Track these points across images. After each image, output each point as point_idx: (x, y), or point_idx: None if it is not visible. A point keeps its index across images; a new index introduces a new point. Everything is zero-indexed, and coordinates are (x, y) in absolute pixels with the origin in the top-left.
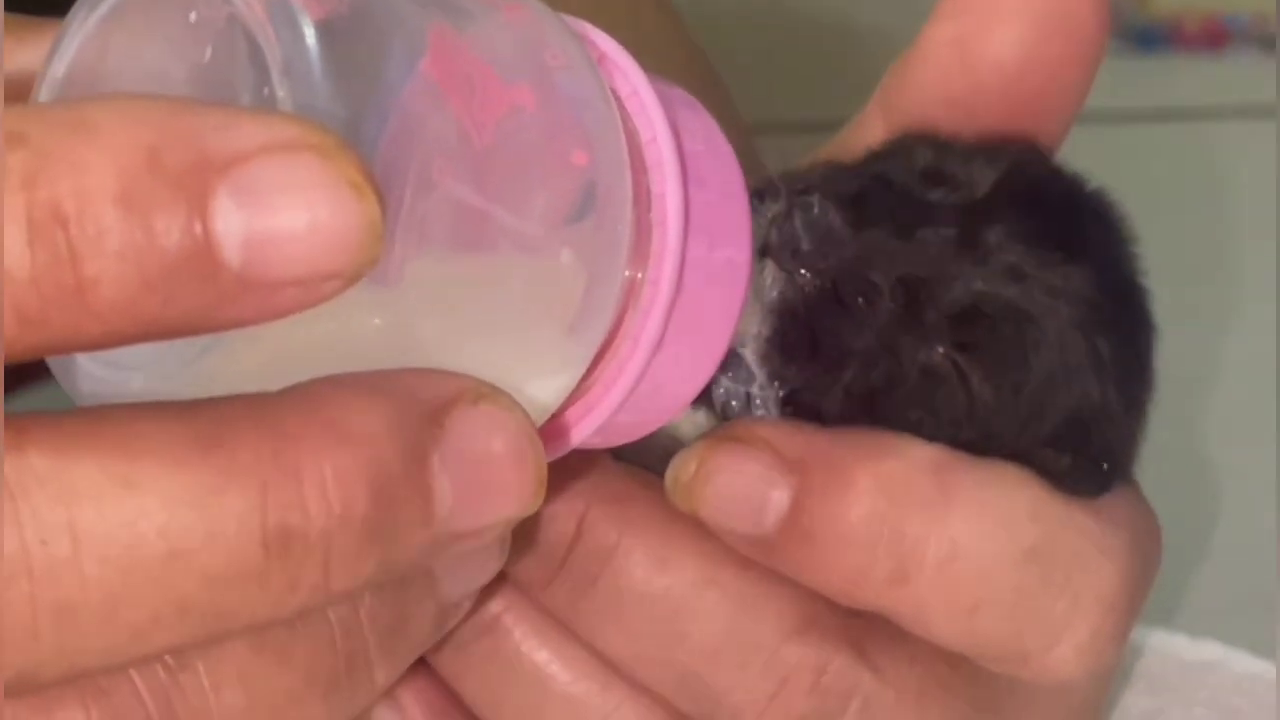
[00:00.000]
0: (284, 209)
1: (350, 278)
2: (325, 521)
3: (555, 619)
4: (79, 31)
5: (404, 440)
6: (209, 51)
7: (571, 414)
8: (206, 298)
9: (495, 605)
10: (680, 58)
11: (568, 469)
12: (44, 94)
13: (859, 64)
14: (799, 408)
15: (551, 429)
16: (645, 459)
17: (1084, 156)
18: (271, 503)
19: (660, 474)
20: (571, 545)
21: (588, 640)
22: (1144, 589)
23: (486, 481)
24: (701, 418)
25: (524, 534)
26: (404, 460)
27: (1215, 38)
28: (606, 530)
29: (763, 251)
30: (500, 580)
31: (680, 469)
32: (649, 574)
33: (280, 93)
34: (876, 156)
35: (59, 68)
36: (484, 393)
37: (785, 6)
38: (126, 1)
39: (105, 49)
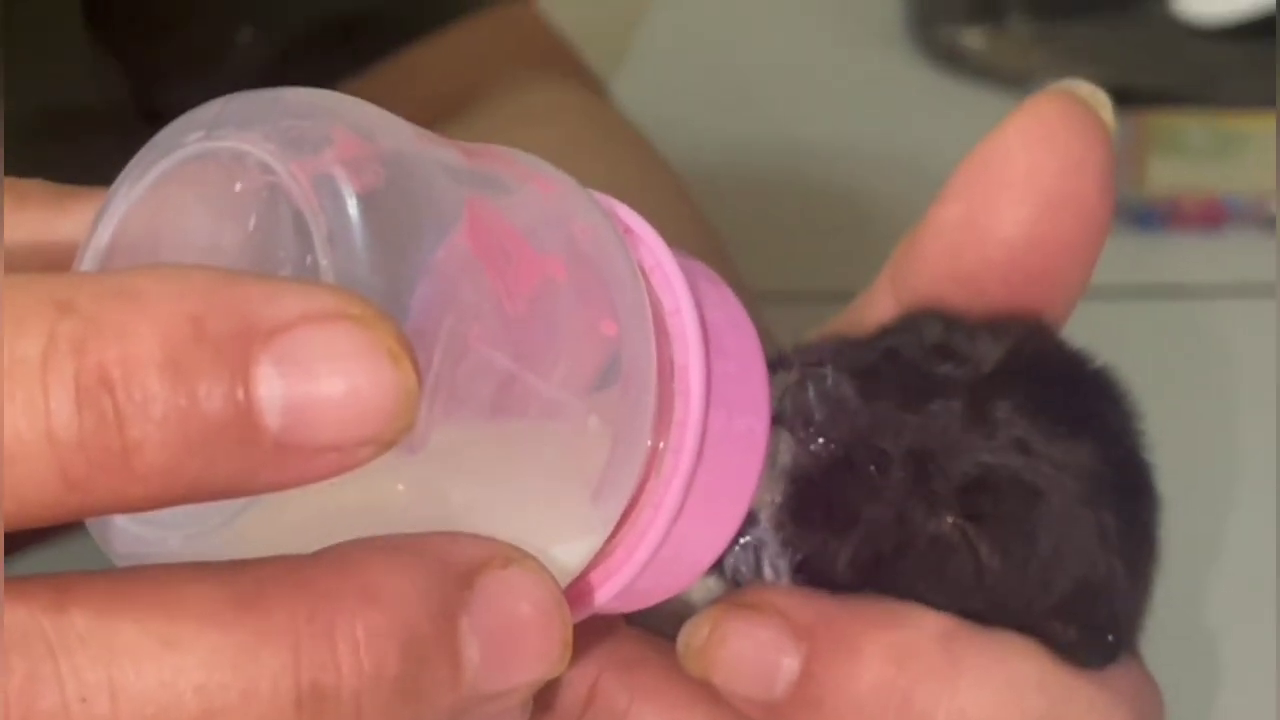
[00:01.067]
0: (324, 376)
1: (386, 443)
2: (357, 681)
3: None
4: (123, 201)
5: (434, 602)
6: (253, 220)
7: (593, 578)
8: (247, 462)
9: None
10: (687, 225)
11: (581, 633)
12: (87, 262)
13: (866, 235)
14: (811, 574)
15: (574, 592)
16: (656, 623)
17: (1083, 332)
18: (305, 662)
19: (671, 638)
20: (584, 709)
21: None
22: None
23: (514, 644)
24: (714, 583)
25: (538, 697)
26: (434, 622)
27: (1213, 217)
28: (618, 695)
29: (776, 421)
30: None
31: (693, 634)
32: None
33: (324, 262)
34: (887, 332)
35: (103, 236)
36: (513, 557)
37: (791, 176)
38: (170, 172)
39: (150, 218)
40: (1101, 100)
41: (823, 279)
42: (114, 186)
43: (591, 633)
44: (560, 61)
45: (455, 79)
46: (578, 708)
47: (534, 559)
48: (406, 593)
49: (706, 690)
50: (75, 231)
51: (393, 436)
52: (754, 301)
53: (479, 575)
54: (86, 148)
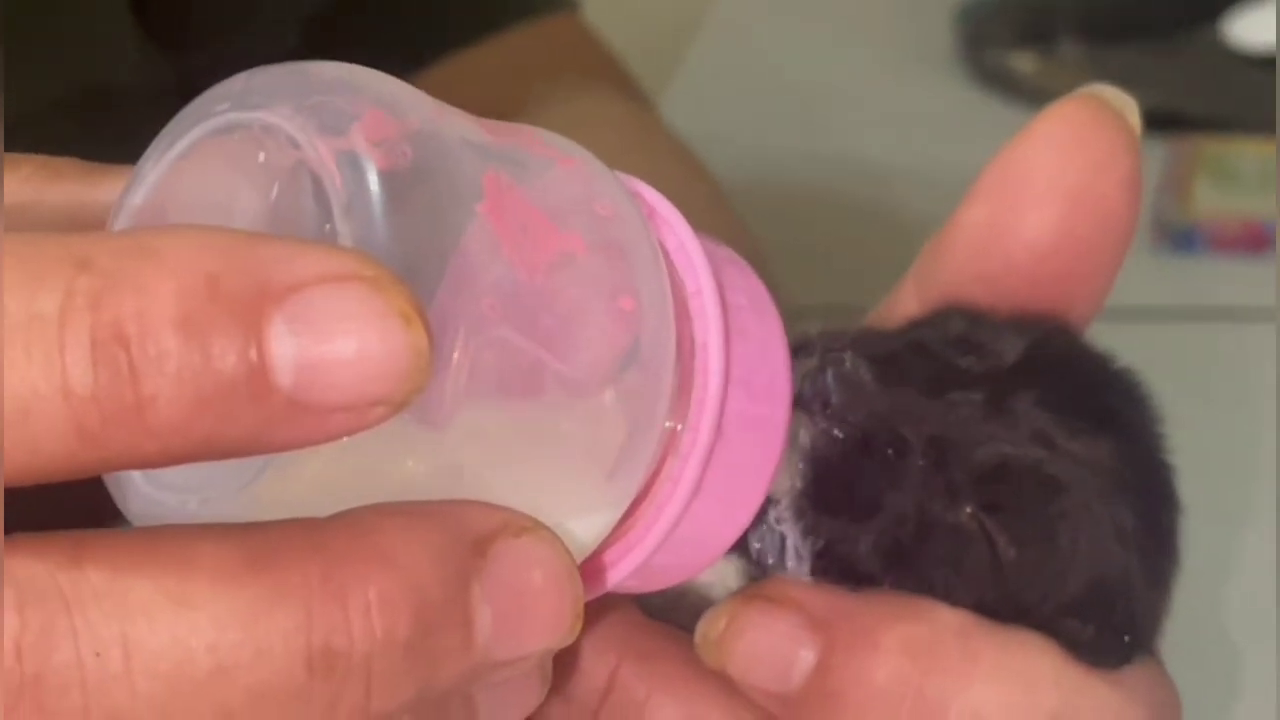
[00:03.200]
0: (336, 336)
1: (397, 404)
2: (368, 644)
3: None
4: (151, 171)
5: (447, 569)
6: (275, 190)
7: (610, 555)
8: (259, 420)
9: None
10: (728, 236)
11: (601, 624)
12: (120, 222)
13: (913, 254)
14: (831, 562)
15: (590, 568)
16: (676, 616)
17: (1121, 352)
18: (317, 624)
19: (691, 631)
20: (603, 699)
21: None
22: None
23: (526, 612)
24: (733, 574)
25: (556, 686)
26: (446, 588)
27: (1257, 242)
28: (637, 685)
29: (795, 404)
30: None
31: (710, 625)
32: None
33: (341, 228)
34: (912, 325)
35: (135, 198)
36: (527, 526)
37: (840, 196)
38: (196, 143)
39: (175, 187)
40: (1128, 104)
41: (868, 297)
42: (143, 158)
43: (611, 624)
44: (607, 73)
45: (501, 88)
46: (596, 697)
47: (547, 528)
48: (420, 558)
49: (724, 682)
50: (108, 204)
51: (404, 398)
52: (796, 317)
53: (492, 543)
54: (128, 127)
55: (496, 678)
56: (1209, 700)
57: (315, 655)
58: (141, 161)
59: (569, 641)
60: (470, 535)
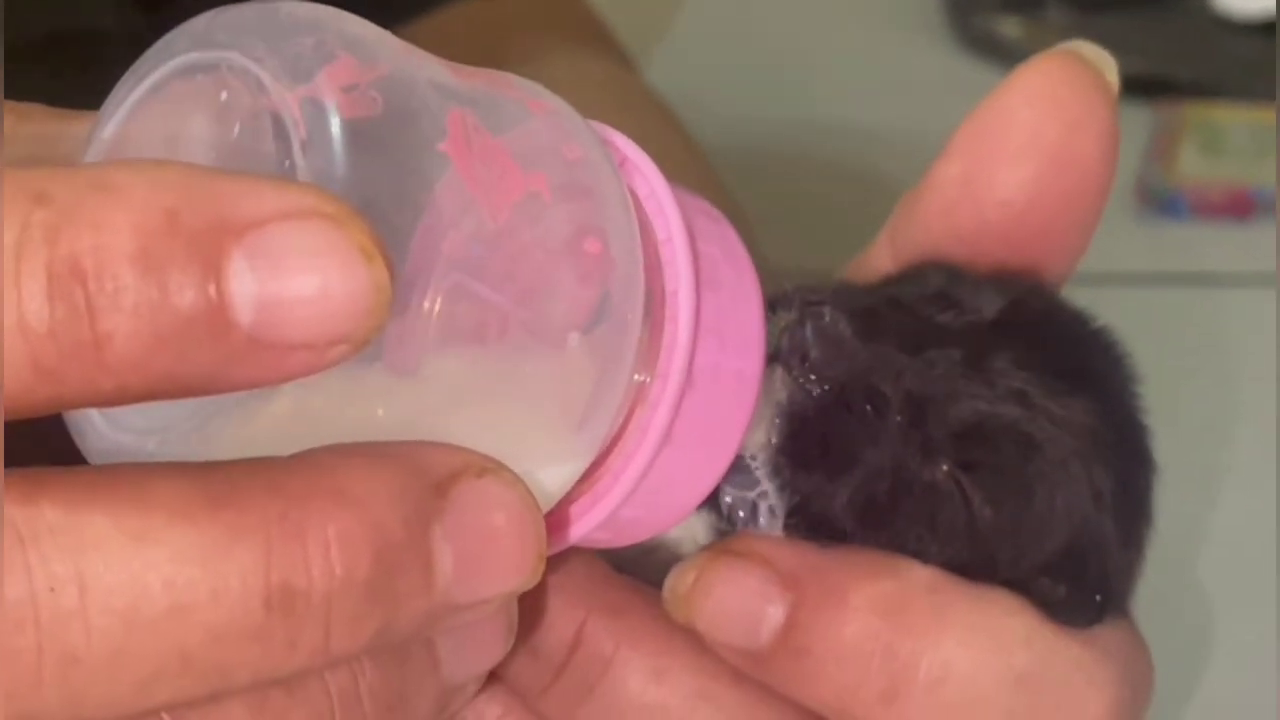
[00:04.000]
0: (296, 273)
1: (359, 342)
2: (327, 583)
3: None
4: (115, 113)
5: (408, 508)
6: (237, 129)
7: (579, 506)
8: (217, 357)
9: (492, 710)
10: (708, 197)
11: (569, 579)
12: (89, 157)
13: (889, 216)
14: (806, 518)
15: (557, 519)
16: (645, 571)
17: (1107, 315)
18: (275, 562)
19: (659, 587)
20: (570, 653)
21: None
22: None
23: (487, 554)
24: (703, 529)
25: (523, 640)
26: (407, 528)
27: (1241, 208)
28: (604, 640)
29: (773, 358)
30: (498, 684)
31: (678, 581)
32: (645, 685)
33: (300, 163)
34: (890, 280)
35: (100, 134)
36: (489, 467)
37: (826, 160)
38: (160, 83)
39: (139, 128)
40: (1106, 61)
41: (843, 255)
42: (108, 100)
43: (579, 578)
44: (589, 33)
45: (482, 45)
46: (563, 652)
47: (509, 470)
48: (380, 497)
49: (693, 638)
50: (74, 148)
51: (365, 336)
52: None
53: (454, 484)
54: (109, 73)
55: (457, 621)
56: (1182, 660)
57: (274, 594)
58: (107, 103)
59: (531, 585)
60: (431, 476)
